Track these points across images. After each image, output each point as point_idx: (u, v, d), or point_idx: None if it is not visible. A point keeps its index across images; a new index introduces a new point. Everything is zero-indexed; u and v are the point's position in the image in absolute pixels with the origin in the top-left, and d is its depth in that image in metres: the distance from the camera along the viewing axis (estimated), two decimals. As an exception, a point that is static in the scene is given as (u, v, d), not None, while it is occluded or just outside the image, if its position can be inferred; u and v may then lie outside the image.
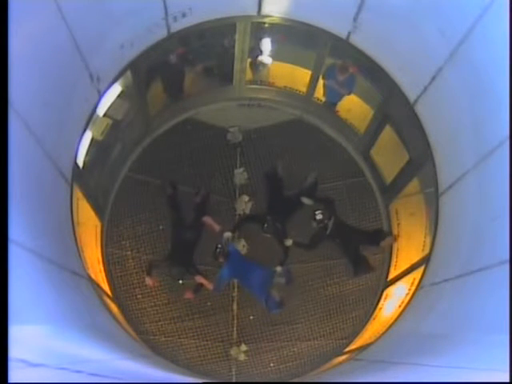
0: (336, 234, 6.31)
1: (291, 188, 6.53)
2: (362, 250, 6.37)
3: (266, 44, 6.24)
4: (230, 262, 5.86)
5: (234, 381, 6.13)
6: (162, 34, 4.99)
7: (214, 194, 6.69)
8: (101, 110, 5.11)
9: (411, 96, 4.92)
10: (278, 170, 6.59)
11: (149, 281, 5.99)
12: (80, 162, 4.85)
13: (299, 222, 6.43)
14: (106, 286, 5.85)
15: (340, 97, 6.43)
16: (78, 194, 4.83)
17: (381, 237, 6.40)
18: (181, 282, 6.16)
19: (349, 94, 6.24)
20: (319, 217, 6.16)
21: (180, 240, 6.11)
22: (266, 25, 5.62)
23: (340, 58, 5.85)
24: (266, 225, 6.22)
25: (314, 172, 6.60)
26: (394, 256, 6.30)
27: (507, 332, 2.54)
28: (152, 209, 6.51)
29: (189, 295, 6.06)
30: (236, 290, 6.36)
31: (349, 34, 5.01)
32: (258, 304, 6.25)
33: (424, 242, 5.22)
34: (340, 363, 5.80)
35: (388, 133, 5.96)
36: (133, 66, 5.11)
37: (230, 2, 5.08)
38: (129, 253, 6.37)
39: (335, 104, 6.66)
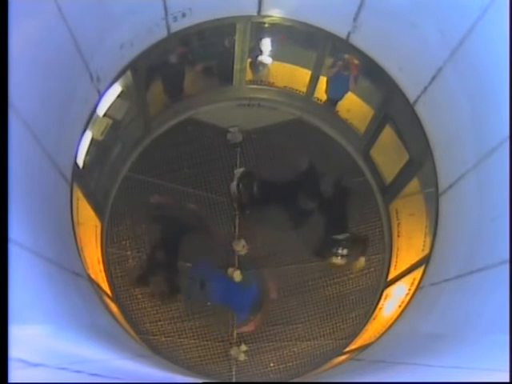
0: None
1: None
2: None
3: (266, 44, 6.25)
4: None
5: (234, 381, 6.13)
6: (161, 34, 4.99)
7: (214, 195, 6.70)
8: (101, 110, 5.10)
9: (411, 96, 4.92)
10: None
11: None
12: (80, 161, 4.85)
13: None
14: (105, 286, 5.85)
15: (343, 93, 6.42)
16: (78, 193, 4.83)
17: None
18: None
19: (355, 81, 6.19)
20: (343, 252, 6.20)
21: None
22: (266, 25, 5.63)
23: (341, 57, 5.86)
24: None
25: (305, 157, 6.45)
26: (394, 256, 6.30)
27: (507, 332, 2.54)
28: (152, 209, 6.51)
29: None
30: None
31: (349, 34, 5.01)
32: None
33: (424, 241, 5.22)
34: (340, 363, 5.80)
35: (388, 133, 5.96)
36: (133, 66, 5.11)
37: (230, 2, 5.07)
38: (129, 253, 6.37)
39: (337, 101, 6.65)
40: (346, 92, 6.38)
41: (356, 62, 5.80)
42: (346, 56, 5.87)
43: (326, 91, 6.54)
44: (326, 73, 6.28)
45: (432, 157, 4.86)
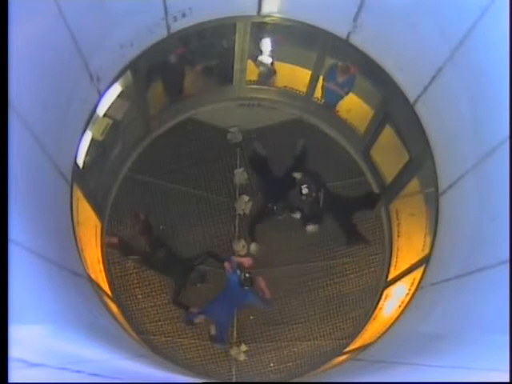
0: (328, 207, 6.39)
1: (281, 166, 6.61)
2: (355, 219, 6.51)
3: (266, 44, 6.24)
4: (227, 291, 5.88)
5: (234, 381, 6.13)
6: (161, 34, 4.99)
7: (213, 195, 6.71)
8: (101, 110, 5.11)
9: (411, 96, 4.92)
10: (258, 150, 6.66)
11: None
12: (80, 161, 4.85)
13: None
14: (106, 286, 5.84)
15: (339, 98, 6.44)
16: (78, 193, 4.83)
17: (372, 199, 6.53)
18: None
19: (346, 94, 6.26)
20: (305, 191, 6.22)
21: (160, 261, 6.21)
22: (266, 25, 5.63)
23: (340, 58, 5.86)
24: (275, 207, 6.34)
25: (301, 140, 6.66)
26: (394, 256, 6.30)
27: (507, 332, 2.54)
28: (152, 209, 6.52)
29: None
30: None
31: (349, 34, 5.00)
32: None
33: (424, 241, 5.22)
34: (340, 363, 5.80)
35: (388, 133, 5.96)
36: (133, 66, 5.11)
37: (230, 2, 5.08)
38: (129, 253, 6.36)
39: (334, 105, 6.66)
40: (341, 97, 6.39)
41: (354, 67, 5.83)
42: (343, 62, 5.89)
43: (322, 97, 6.56)
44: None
45: (432, 157, 4.86)
